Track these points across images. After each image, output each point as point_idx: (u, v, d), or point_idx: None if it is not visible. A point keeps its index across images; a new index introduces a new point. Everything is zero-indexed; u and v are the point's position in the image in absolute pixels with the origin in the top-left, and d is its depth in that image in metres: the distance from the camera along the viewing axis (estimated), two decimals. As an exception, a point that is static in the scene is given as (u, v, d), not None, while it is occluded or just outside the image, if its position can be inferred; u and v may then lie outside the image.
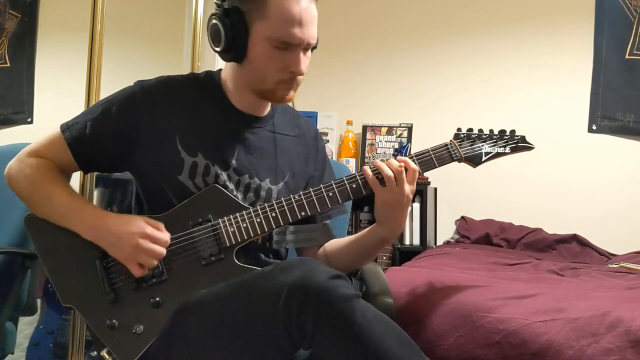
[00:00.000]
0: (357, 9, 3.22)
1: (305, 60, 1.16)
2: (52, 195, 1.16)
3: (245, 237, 1.15)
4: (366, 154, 3.03)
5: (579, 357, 1.12)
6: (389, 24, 3.18)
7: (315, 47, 1.18)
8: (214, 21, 1.15)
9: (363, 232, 1.26)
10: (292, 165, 1.29)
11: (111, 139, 1.19)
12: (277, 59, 1.13)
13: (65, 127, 1.20)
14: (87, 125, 1.18)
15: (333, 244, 1.31)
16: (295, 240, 1.23)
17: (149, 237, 1.10)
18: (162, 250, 1.11)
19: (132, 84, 1.22)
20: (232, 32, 1.12)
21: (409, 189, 1.15)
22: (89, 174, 1.55)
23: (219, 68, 1.29)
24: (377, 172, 1.16)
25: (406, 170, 1.15)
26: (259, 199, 1.23)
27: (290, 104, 1.30)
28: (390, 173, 1.14)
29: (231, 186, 1.20)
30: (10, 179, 1.20)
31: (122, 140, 1.18)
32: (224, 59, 1.18)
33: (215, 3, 1.15)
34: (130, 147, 1.19)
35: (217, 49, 1.16)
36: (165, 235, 1.12)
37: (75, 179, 1.45)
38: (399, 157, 1.17)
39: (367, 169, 1.16)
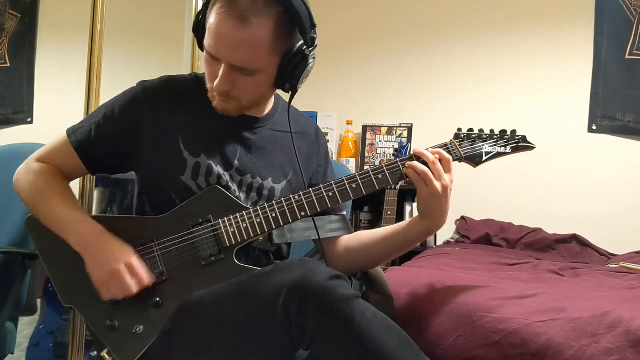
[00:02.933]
0: (357, 9, 3.22)
1: (235, 79, 1.11)
2: (50, 203, 1.18)
3: (245, 238, 1.15)
4: (366, 154, 3.03)
5: (579, 357, 1.12)
6: (389, 24, 3.19)
7: (254, 73, 1.11)
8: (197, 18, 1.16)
9: (403, 225, 1.25)
10: (294, 162, 1.29)
11: (115, 141, 1.20)
12: (207, 67, 1.14)
13: (71, 132, 1.22)
14: (92, 129, 1.20)
15: (359, 237, 1.31)
16: (293, 236, 1.23)
17: (132, 269, 1.10)
18: (134, 289, 1.09)
19: (134, 85, 1.23)
20: (200, 31, 1.14)
21: (447, 178, 1.16)
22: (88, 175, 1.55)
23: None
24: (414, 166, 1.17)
25: (440, 161, 1.16)
26: (262, 198, 1.24)
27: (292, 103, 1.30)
28: (425, 168, 1.15)
29: (234, 187, 1.21)
30: (16, 184, 1.23)
31: (126, 141, 1.19)
32: None
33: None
34: (134, 147, 1.19)
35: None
36: (146, 277, 1.11)
37: (75, 180, 1.45)
38: (431, 149, 1.18)
39: (410, 172, 1.16)
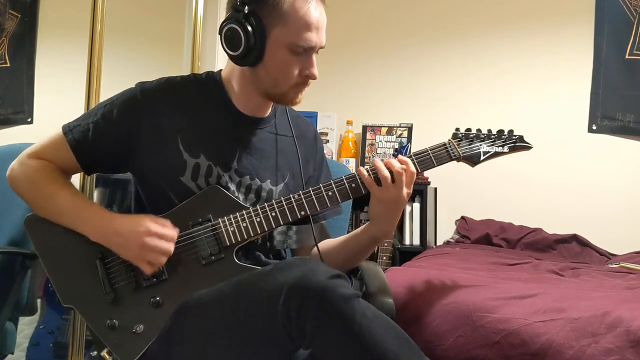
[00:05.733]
0: (357, 9, 3.22)
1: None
2: (55, 197, 1.17)
3: (245, 237, 1.15)
4: (366, 154, 3.03)
5: (579, 357, 1.12)
6: (389, 24, 3.19)
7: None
8: (231, 25, 1.13)
9: (356, 231, 1.27)
10: (292, 166, 1.29)
11: (113, 141, 1.19)
12: (292, 64, 1.15)
13: (68, 129, 1.21)
14: (90, 128, 1.19)
15: (327, 244, 1.32)
16: (294, 241, 1.24)
17: (156, 234, 1.10)
18: (170, 247, 1.11)
19: (133, 86, 1.23)
20: (252, 37, 1.12)
21: (405, 191, 1.16)
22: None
23: (219, 69, 1.28)
24: (375, 171, 1.17)
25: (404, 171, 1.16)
26: (260, 199, 1.24)
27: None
28: (387, 173, 1.15)
29: (233, 187, 1.21)
30: (12, 180, 1.21)
31: (124, 142, 1.19)
32: (238, 63, 1.18)
33: (233, 7, 1.14)
34: (132, 148, 1.19)
35: (234, 53, 1.15)
36: (172, 232, 1.12)
37: (75, 179, 1.45)
38: (399, 157, 1.18)
39: (363, 170, 1.17)
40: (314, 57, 1.17)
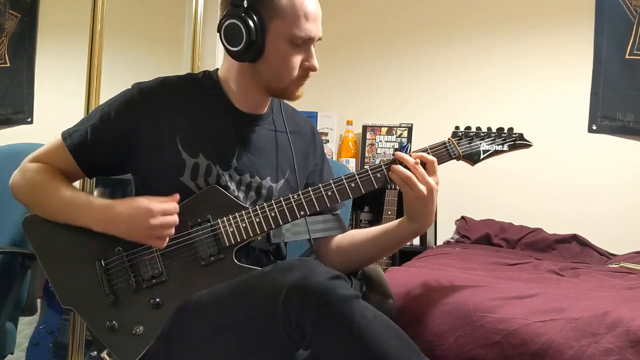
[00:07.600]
0: (357, 9, 3.22)
1: None
2: (54, 193, 1.17)
3: (245, 237, 1.15)
4: (366, 154, 3.03)
5: (579, 357, 1.12)
6: (389, 23, 3.18)
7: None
8: (232, 21, 1.14)
9: (392, 225, 1.26)
10: (292, 162, 1.29)
11: (112, 143, 1.19)
12: (293, 56, 1.16)
13: (67, 135, 1.21)
14: (88, 131, 1.19)
15: (350, 236, 1.32)
16: (314, 230, 1.24)
17: (159, 213, 1.10)
18: (175, 218, 1.11)
19: (130, 87, 1.23)
20: (252, 31, 1.12)
21: (432, 181, 1.16)
22: (88, 175, 1.55)
23: (215, 68, 1.28)
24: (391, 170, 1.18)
25: (424, 163, 1.17)
26: (260, 197, 1.24)
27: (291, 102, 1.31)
28: (409, 173, 1.15)
29: (232, 186, 1.21)
30: (14, 188, 1.22)
31: (123, 143, 1.19)
32: (238, 59, 1.17)
33: (231, 3, 1.15)
34: (132, 150, 1.19)
35: (235, 49, 1.15)
36: (172, 204, 1.12)
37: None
38: (413, 154, 1.18)
39: (398, 169, 1.17)
40: (313, 48, 1.18)
